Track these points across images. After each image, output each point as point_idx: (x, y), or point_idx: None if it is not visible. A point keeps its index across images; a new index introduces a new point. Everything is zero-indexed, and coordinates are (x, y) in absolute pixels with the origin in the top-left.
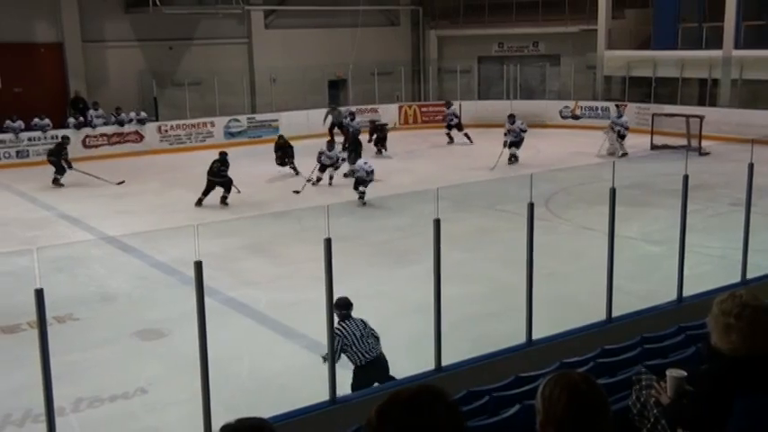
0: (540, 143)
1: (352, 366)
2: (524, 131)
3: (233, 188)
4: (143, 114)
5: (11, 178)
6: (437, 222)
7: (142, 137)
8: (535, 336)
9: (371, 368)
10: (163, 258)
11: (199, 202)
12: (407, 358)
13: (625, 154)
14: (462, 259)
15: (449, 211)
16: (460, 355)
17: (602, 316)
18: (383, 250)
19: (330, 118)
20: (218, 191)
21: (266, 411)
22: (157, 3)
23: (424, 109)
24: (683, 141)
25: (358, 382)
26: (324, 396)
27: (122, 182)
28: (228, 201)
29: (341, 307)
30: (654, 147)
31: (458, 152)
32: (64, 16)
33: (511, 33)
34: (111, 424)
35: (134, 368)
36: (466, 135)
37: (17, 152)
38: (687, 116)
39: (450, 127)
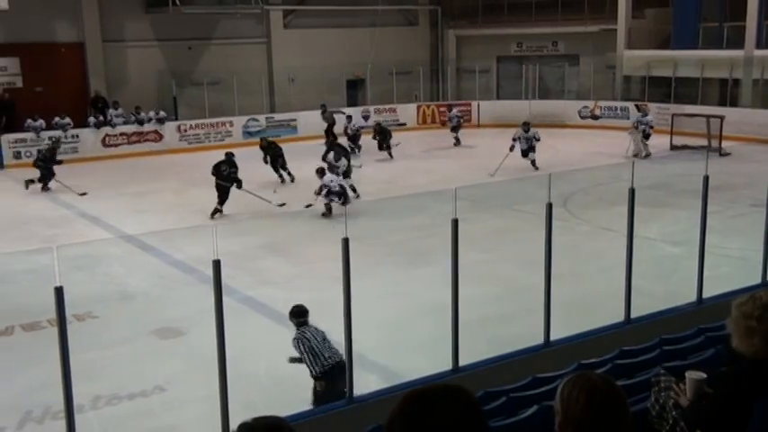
0: (559, 143)
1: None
2: (538, 140)
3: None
4: (162, 114)
5: (32, 176)
6: (455, 222)
7: (161, 136)
8: (553, 336)
9: (337, 372)
10: (181, 257)
11: (215, 213)
12: (424, 358)
13: (648, 155)
14: (480, 259)
15: (466, 211)
16: (477, 356)
17: (620, 317)
18: (400, 250)
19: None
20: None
21: (283, 410)
22: (177, 3)
23: (442, 109)
24: (704, 142)
25: (324, 388)
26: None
27: (84, 193)
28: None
29: (297, 315)
30: (674, 147)
31: (475, 152)
32: (85, 16)
33: (530, 33)
34: (129, 421)
35: (152, 366)
36: (456, 138)
37: (38, 151)
38: (707, 116)
39: (454, 129)
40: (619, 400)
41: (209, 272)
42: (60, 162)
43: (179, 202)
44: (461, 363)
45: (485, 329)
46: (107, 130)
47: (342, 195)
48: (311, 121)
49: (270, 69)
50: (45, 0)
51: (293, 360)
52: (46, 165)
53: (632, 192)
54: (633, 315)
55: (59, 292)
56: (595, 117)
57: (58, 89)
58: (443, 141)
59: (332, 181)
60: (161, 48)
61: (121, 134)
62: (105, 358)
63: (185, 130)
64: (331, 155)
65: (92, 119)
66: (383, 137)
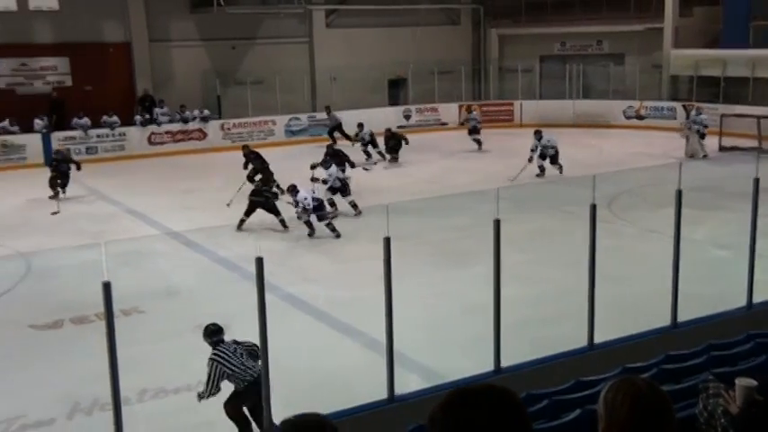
0: (603, 143)
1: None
2: (554, 147)
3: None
4: (206, 112)
5: (80, 174)
6: (497, 223)
7: (205, 134)
8: (597, 339)
9: (253, 389)
10: (225, 254)
11: (241, 224)
12: (465, 358)
13: (705, 155)
14: (522, 260)
15: (509, 211)
16: (519, 357)
17: (666, 321)
18: (442, 250)
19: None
20: None
21: (324, 407)
22: (221, 3)
23: (484, 108)
24: (754, 143)
25: (236, 404)
26: (382, 394)
27: (57, 212)
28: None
29: (210, 334)
30: (722, 148)
31: (518, 152)
32: (132, 16)
33: (574, 32)
34: (173, 415)
35: (196, 361)
36: (477, 141)
37: (86, 148)
38: (758, 117)
39: (472, 131)
40: (664, 406)
41: (252, 269)
42: (78, 165)
43: (223, 199)
44: (503, 364)
45: (527, 331)
46: (153, 128)
47: (318, 209)
48: (353, 119)
49: (312, 69)
50: (94, 1)
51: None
52: (58, 166)
53: (679, 193)
54: (680, 319)
55: (107, 287)
56: (640, 117)
57: (105, 88)
58: (487, 141)
59: (305, 198)
60: (206, 47)
61: (167, 132)
62: (151, 352)
63: (229, 129)
64: (327, 167)
65: (138, 117)
66: (396, 142)
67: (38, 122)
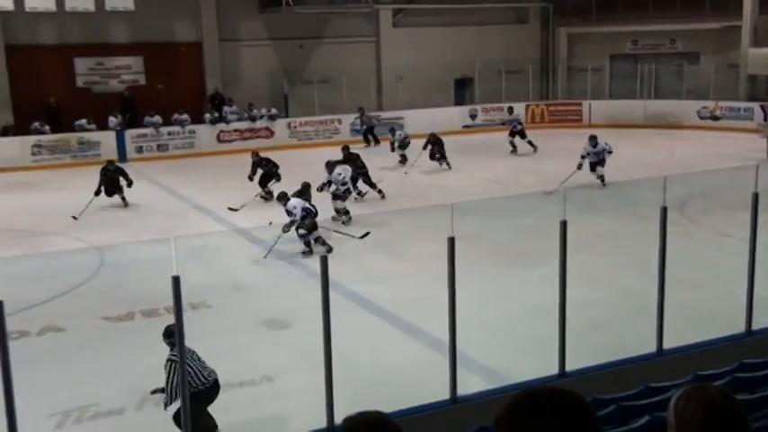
0: (675, 145)
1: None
2: (610, 153)
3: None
4: (274, 111)
5: (152, 170)
6: (563, 224)
7: (272, 133)
8: (666, 345)
9: (208, 394)
10: (290, 249)
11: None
12: (528, 361)
13: None
14: (589, 262)
15: (576, 213)
16: (584, 361)
17: (741, 328)
18: (507, 251)
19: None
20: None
21: (386, 406)
22: (290, 2)
23: (551, 108)
24: None
25: (193, 409)
26: (444, 394)
27: (75, 218)
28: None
29: (169, 335)
30: None
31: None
32: (203, 17)
33: (646, 30)
34: (239, 408)
35: (261, 356)
36: (530, 143)
37: (158, 146)
38: None
39: (513, 134)
40: (738, 416)
41: (316, 266)
42: (130, 182)
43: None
44: (568, 368)
45: (593, 334)
46: (222, 126)
47: (306, 218)
48: (418, 119)
49: (378, 68)
50: (167, 1)
51: (155, 391)
52: (110, 175)
53: (756, 197)
54: (755, 326)
55: (176, 281)
56: (715, 118)
57: (177, 87)
58: (554, 141)
59: (295, 207)
60: (274, 47)
61: (235, 130)
62: (218, 346)
63: (295, 127)
64: (337, 170)
65: (207, 115)
66: (438, 147)
67: (112, 120)
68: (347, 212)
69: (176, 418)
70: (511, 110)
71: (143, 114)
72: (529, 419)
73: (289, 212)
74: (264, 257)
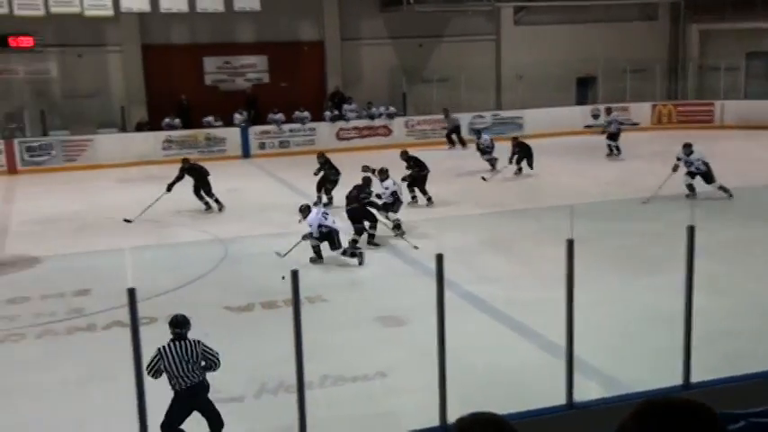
0: None
1: None
2: (700, 170)
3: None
4: (392, 109)
5: (273, 166)
6: (690, 229)
7: (390, 131)
8: None
9: (188, 395)
10: (406, 248)
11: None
12: (648, 370)
13: None
14: (716, 271)
15: (703, 219)
16: (710, 373)
17: None
18: (627, 255)
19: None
20: None
21: (499, 407)
22: (410, 1)
23: (680, 108)
24: None
25: (173, 407)
26: (559, 399)
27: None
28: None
29: (173, 325)
30: None
31: (719, 155)
32: (326, 16)
33: None
34: (352, 403)
35: (375, 352)
36: (611, 147)
37: (279, 142)
38: None
39: (611, 136)
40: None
41: (431, 264)
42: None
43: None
44: (693, 379)
45: (720, 345)
46: (341, 123)
47: (328, 236)
48: (538, 118)
49: (498, 66)
50: (291, 2)
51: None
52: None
53: None
54: None
55: (295, 274)
56: None
57: (299, 85)
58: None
59: (310, 225)
60: (393, 45)
61: (354, 128)
62: (333, 340)
63: (413, 126)
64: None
65: (328, 113)
66: (525, 152)
67: (237, 117)
68: (399, 225)
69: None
70: (610, 111)
71: (266, 112)
72: (656, 430)
73: (309, 224)
74: (282, 256)
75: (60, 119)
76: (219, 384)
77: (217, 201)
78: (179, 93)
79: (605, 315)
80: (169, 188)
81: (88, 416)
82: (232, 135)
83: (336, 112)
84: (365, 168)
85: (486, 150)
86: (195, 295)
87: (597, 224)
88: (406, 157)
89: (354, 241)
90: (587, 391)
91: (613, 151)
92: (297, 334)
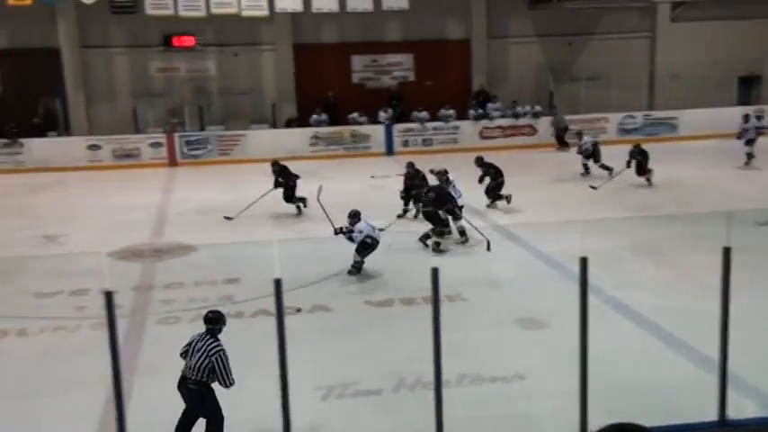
0: None
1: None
2: None
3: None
4: (538, 108)
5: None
6: None
7: (535, 130)
8: None
9: (181, 385)
10: (547, 250)
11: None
12: None
13: None
14: None
15: None
16: None
17: None
18: None
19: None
20: None
21: (644, 419)
22: None
23: None
24: None
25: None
26: (710, 415)
27: (230, 218)
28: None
29: (210, 321)
30: None
31: None
32: (473, 14)
33: None
34: (489, 403)
35: (514, 354)
36: (748, 154)
37: (423, 140)
38: None
39: (750, 143)
40: None
41: (574, 268)
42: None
43: (547, 195)
44: None
45: None
46: (485, 122)
47: (371, 247)
48: (693, 119)
49: (651, 65)
50: (439, 0)
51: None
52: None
53: None
54: None
55: (435, 272)
56: None
57: (444, 83)
58: None
59: (360, 232)
60: (540, 43)
61: (498, 127)
62: (471, 340)
63: None
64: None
65: (471, 111)
66: (644, 159)
67: (382, 114)
68: (463, 232)
69: None
70: (747, 117)
71: (411, 109)
72: None
73: (348, 231)
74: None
75: (217, 114)
76: (357, 376)
77: (298, 206)
78: (327, 90)
79: (764, 329)
80: (278, 186)
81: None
82: (376, 132)
83: (480, 111)
84: (436, 171)
85: (588, 154)
86: (337, 288)
87: (757, 232)
88: (481, 163)
89: (427, 237)
90: (742, 408)
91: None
92: (435, 331)
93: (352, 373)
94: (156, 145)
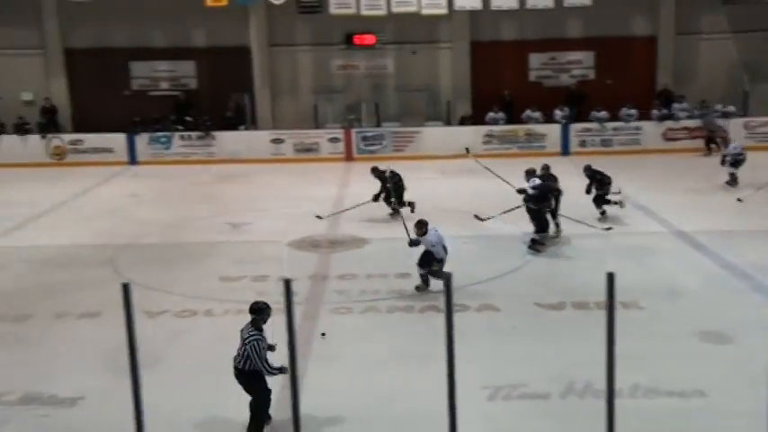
0: None
1: None
2: None
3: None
4: (730, 108)
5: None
6: None
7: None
8: None
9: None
10: (736, 261)
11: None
12: None
13: None
14: None
15: None
16: None
17: None
18: None
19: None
20: None
21: None
22: None
23: None
24: None
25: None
26: None
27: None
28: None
29: (256, 311)
30: None
31: None
32: (661, 10)
33: None
34: (666, 419)
35: (693, 368)
36: None
37: (601, 141)
38: None
39: None
40: None
41: (763, 279)
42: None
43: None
44: None
45: None
46: (669, 123)
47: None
48: None
49: None
50: None
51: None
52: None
53: None
54: None
55: (611, 277)
56: None
57: (626, 82)
58: None
59: (433, 246)
60: (734, 39)
61: (684, 128)
62: (646, 350)
63: (753, 127)
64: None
65: (655, 111)
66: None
67: (557, 113)
68: (557, 225)
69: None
70: None
71: (589, 109)
72: None
73: (416, 242)
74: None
75: (393, 111)
76: (525, 378)
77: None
78: (502, 89)
79: None
80: (375, 199)
81: (396, 390)
82: (552, 131)
83: (665, 111)
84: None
85: (734, 162)
86: (507, 288)
87: None
88: (590, 172)
89: (535, 240)
90: None
91: None
92: (609, 339)
93: (519, 375)
94: (334, 140)
